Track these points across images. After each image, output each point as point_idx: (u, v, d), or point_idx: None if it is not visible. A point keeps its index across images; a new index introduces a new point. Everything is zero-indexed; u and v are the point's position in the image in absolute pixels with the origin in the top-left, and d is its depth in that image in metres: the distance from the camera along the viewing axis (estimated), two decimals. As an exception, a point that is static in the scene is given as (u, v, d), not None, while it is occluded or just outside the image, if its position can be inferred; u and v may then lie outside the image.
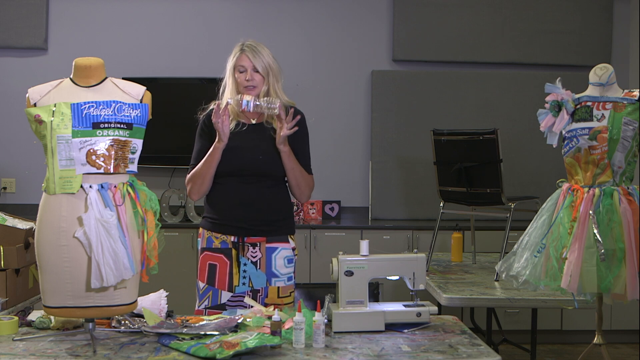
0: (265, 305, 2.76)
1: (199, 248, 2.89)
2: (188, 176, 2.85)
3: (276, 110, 2.70)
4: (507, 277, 3.02)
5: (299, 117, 2.78)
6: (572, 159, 2.92)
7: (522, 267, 2.94)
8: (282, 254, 2.83)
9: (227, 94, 2.84)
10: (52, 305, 2.27)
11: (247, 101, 2.71)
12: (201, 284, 2.83)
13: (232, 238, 2.81)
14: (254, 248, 2.80)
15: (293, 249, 2.87)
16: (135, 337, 2.37)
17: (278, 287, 2.81)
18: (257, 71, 2.83)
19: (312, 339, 2.29)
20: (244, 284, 2.79)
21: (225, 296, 2.79)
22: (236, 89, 2.83)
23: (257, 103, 2.72)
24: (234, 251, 2.80)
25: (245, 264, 2.79)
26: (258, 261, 2.80)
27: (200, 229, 2.90)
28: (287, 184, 2.87)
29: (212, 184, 2.83)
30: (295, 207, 5.33)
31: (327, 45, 5.52)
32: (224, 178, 2.81)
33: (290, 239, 2.87)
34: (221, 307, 2.78)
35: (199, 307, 2.83)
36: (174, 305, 2.77)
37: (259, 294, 2.80)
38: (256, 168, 2.78)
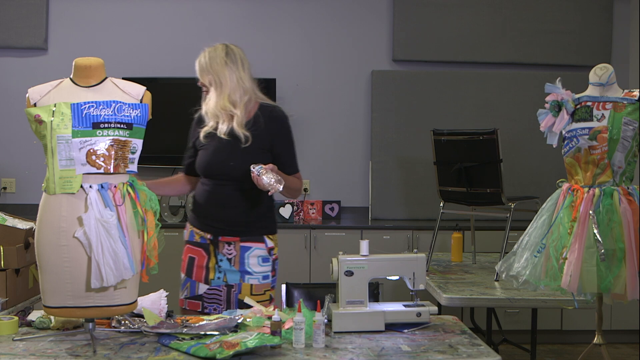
0: (239, 301, 2.83)
1: (185, 240, 2.99)
2: None
3: (278, 189, 2.66)
4: (507, 277, 3.02)
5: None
6: (572, 159, 2.92)
7: (522, 267, 2.94)
8: (256, 253, 2.86)
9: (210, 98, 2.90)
10: (52, 305, 2.27)
11: (261, 168, 2.66)
12: (182, 275, 2.95)
13: (209, 235, 2.88)
14: (229, 246, 2.86)
15: (270, 249, 2.89)
16: (135, 337, 2.37)
17: (251, 285, 2.85)
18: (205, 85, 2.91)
19: (312, 339, 2.29)
20: (219, 278, 2.87)
21: (202, 288, 2.88)
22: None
23: (271, 177, 2.64)
24: (211, 246, 2.88)
25: (221, 260, 2.87)
26: (233, 258, 2.86)
27: (187, 222, 3.00)
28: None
29: (198, 183, 2.94)
30: (295, 207, 5.33)
31: (327, 45, 5.52)
32: (204, 178, 2.90)
33: (267, 239, 2.88)
34: (199, 298, 2.88)
35: (180, 296, 2.95)
36: (174, 305, 2.78)
37: (232, 290, 2.87)
38: (228, 174, 2.82)
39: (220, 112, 2.81)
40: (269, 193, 2.68)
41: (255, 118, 2.84)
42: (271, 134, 2.85)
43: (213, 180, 2.85)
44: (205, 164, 2.86)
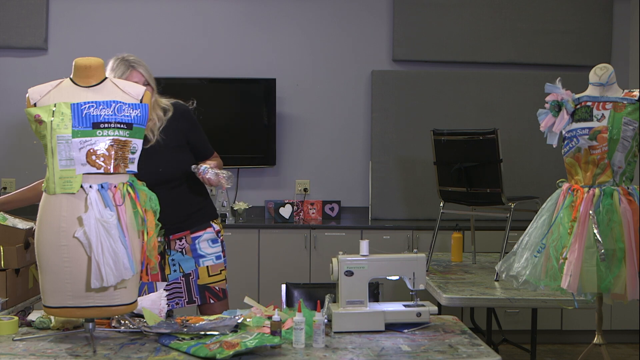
0: (199, 287, 2.95)
1: None
2: None
3: (228, 186, 2.86)
4: (507, 277, 3.02)
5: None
6: (572, 159, 2.92)
7: (522, 267, 2.94)
8: (205, 237, 3.00)
9: None
10: (52, 305, 2.27)
11: (206, 167, 2.83)
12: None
13: (159, 238, 2.90)
14: (181, 241, 2.97)
15: (217, 232, 3.03)
16: (135, 337, 2.37)
17: (207, 267, 2.98)
18: (148, 84, 2.92)
19: (312, 339, 2.29)
20: (175, 271, 2.97)
21: (160, 286, 2.93)
22: None
23: (218, 173, 2.83)
24: (163, 247, 2.96)
25: (172, 255, 2.96)
26: (183, 250, 2.97)
27: None
28: (194, 177, 2.94)
29: None
30: (295, 207, 5.33)
31: (327, 45, 5.52)
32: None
33: (213, 224, 3.04)
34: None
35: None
36: (174, 305, 2.78)
37: (190, 277, 2.96)
38: (158, 179, 2.86)
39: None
40: (222, 189, 2.82)
41: (165, 114, 2.93)
42: (182, 130, 2.95)
43: (148, 186, 2.87)
44: (140, 173, 2.86)
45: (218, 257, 3.02)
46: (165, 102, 2.97)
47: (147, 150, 2.85)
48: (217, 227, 3.05)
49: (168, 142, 2.91)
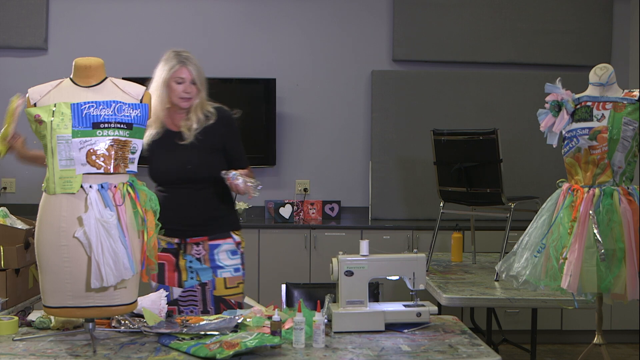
0: (215, 298, 2.88)
1: None
2: None
3: (255, 195, 2.81)
4: (507, 277, 3.02)
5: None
6: (572, 159, 2.92)
7: (522, 267, 2.94)
8: (225, 247, 2.93)
9: (155, 102, 2.89)
10: (52, 305, 2.27)
11: (235, 174, 2.79)
12: (153, 283, 2.95)
13: (176, 240, 2.91)
14: (197, 246, 2.91)
15: (238, 244, 2.97)
16: (135, 337, 2.37)
17: (225, 278, 2.91)
18: (194, 83, 2.91)
19: (312, 339, 2.29)
20: (192, 278, 2.91)
21: (176, 292, 2.91)
22: (168, 99, 2.90)
23: (246, 180, 2.79)
24: (180, 250, 2.92)
25: (190, 261, 2.90)
26: (202, 257, 2.91)
27: None
28: (222, 184, 2.90)
29: (154, 191, 2.90)
30: (295, 207, 5.33)
31: (327, 45, 5.52)
32: (160, 186, 2.94)
33: (233, 235, 2.97)
34: (174, 303, 2.89)
35: None
36: (174, 305, 2.78)
37: (207, 287, 2.90)
38: (186, 177, 2.87)
39: (184, 116, 2.88)
40: (249, 197, 2.78)
41: (206, 120, 2.91)
42: (221, 134, 2.92)
43: (171, 185, 2.89)
44: (164, 170, 2.89)
45: (236, 270, 2.95)
46: (211, 107, 2.95)
47: (181, 146, 2.87)
48: (237, 238, 2.97)
49: (203, 143, 2.88)
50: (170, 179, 2.90)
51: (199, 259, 2.91)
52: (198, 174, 2.88)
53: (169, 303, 2.85)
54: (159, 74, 2.93)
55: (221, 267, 2.91)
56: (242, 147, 3.03)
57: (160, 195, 2.82)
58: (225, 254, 2.93)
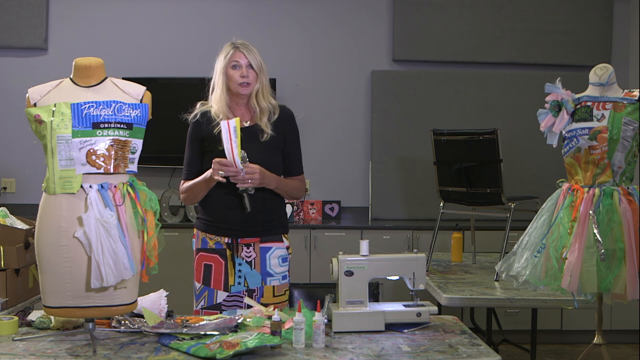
0: (262, 305, 2.76)
1: (194, 248, 2.90)
2: (182, 187, 2.87)
3: (249, 189, 2.71)
4: (507, 277, 3.02)
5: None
6: (572, 159, 2.92)
7: (522, 267, 2.94)
8: (276, 253, 2.84)
9: (218, 94, 2.84)
10: (52, 305, 2.27)
11: (232, 125, 2.62)
12: (197, 285, 2.85)
13: (226, 239, 2.82)
14: (248, 248, 2.81)
15: (287, 248, 2.89)
16: (135, 337, 2.37)
17: (273, 286, 2.83)
18: (252, 68, 2.82)
19: (312, 339, 2.29)
20: (239, 283, 2.81)
21: (221, 296, 2.81)
22: (228, 86, 2.83)
23: (250, 188, 2.71)
24: (228, 251, 2.82)
25: (240, 264, 2.81)
26: (252, 261, 2.81)
27: (195, 230, 2.91)
28: None
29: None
30: (295, 207, 5.33)
31: (327, 45, 5.52)
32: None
33: (284, 238, 2.89)
34: (217, 307, 2.80)
35: (196, 307, 2.85)
36: (174, 305, 2.77)
37: (254, 294, 2.81)
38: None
39: (251, 108, 2.80)
40: (241, 187, 2.68)
41: (271, 116, 2.85)
42: (284, 131, 2.86)
43: (228, 181, 2.73)
44: None
45: (284, 277, 2.86)
46: (273, 100, 2.88)
47: (247, 141, 2.74)
48: (287, 242, 2.90)
49: (271, 138, 2.81)
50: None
51: (249, 263, 2.81)
52: None
53: (211, 307, 2.79)
54: (217, 66, 2.85)
55: (271, 275, 2.82)
56: (300, 152, 2.96)
57: (214, 191, 2.77)
58: (277, 260, 2.83)
